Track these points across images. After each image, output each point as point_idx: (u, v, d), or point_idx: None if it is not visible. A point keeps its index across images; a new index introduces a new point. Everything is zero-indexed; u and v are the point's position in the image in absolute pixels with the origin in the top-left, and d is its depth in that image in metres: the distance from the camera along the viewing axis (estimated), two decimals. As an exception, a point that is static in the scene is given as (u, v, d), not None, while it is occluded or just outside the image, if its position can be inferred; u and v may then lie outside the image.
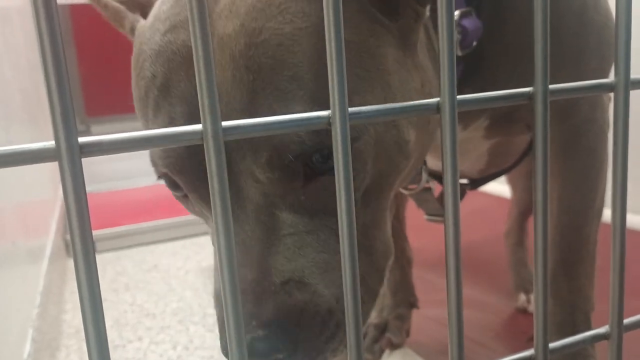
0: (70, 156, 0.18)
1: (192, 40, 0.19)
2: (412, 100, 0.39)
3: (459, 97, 0.25)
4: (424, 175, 0.62)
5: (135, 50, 0.41)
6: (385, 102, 0.38)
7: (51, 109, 0.18)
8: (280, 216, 0.37)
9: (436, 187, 0.66)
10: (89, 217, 0.18)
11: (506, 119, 0.57)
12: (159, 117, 0.38)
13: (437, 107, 0.25)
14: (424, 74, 0.43)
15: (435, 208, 0.68)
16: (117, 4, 0.47)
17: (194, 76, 0.36)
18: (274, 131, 0.22)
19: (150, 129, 0.33)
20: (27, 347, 0.80)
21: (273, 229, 0.37)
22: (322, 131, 0.33)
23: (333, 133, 0.23)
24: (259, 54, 0.34)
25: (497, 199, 1.45)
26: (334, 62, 0.21)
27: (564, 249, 0.61)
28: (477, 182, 0.77)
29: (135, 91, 0.41)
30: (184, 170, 0.37)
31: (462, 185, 0.79)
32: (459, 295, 0.27)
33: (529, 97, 0.27)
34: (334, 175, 0.34)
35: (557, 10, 0.49)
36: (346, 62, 0.35)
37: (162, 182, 0.42)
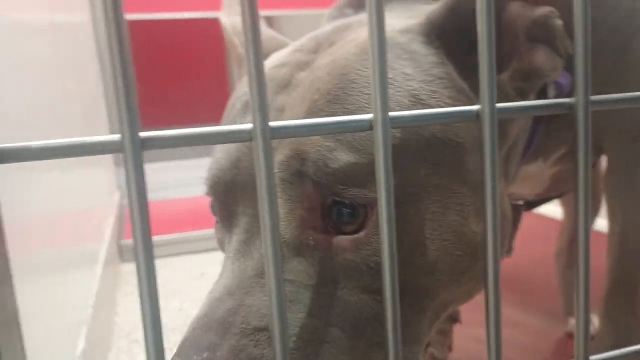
0: (133, 148, 0.20)
1: (245, 45, 0.21)
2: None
3: (498, 105, 0.26)
4: None
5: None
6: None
7: (118, 107, 0.20)
8: (285, 259, 0.35)
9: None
10: (147, 205, 0.20)
11: None
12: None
13: (477, 115, 0.26)
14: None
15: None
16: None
17: (279, 98, 0.39)
18: (319, 132, 0.23)
19: None
20: (81, 345, 0.84)
21: None
22: (358, 181, 0.32)
23: (375, 136, 0.24)
24: (333, 83, 0.36)
25: (549, 220, 1.41)
26: (377, 67, 0.23)
27: (623, 269, 0.59)
28: (532, 203, 0.76)
29: (225, 111, 0.44)
30: (217, 189, 0.39)
31: (517, 206, 0.78)
32: (497, 316, 0.27)
33: (569, 107, 0.27)
34: (348, 237, 0.34)
35: (604, 25, 0.48)
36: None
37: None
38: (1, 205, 0.24)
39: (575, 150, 0.27)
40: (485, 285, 0.27)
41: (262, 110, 0.21)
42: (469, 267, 0.37)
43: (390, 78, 0.36)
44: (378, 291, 0.34)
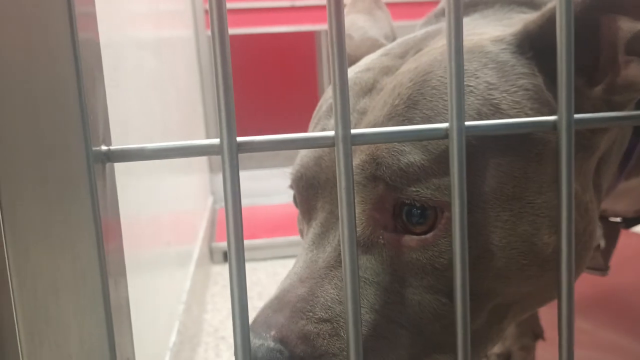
0: (231, 151, 0.22)
1: (330, 56, 0.23)
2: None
3: (576, 115, 0.26)
4: (599, 232, 0.60)
5: None
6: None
7: (219, 115, 0.23)
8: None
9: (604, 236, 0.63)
10: (240, 202, 0.23)
11: None
12: (315, 130, 0.44)
13: (554, 126, 0.26)
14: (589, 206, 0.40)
15: (598, 263, 0.65)
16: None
17: (362, 101, 0.41)
18: (396, 139, 0.25)
19: None
20: (173, 338, 0.90)
21: None
22: (430, 184, 0.34)
23: (450, 145, 0.26)
24: (414, 89, 0.38)
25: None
26: (454, 75, 0.24)
27: None
28: (631, 221, 0.73)
29: (315, 111, 0.47)
30: (299, 184, 0.42)
31: (615, 223, 0.74)
32: (570, 328, 0.27)
33: (654, 118, 0.27)
34: (416, 237, 0.35)
35: None
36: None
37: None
38: (119, 204, 0.27)
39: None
40: (558, 299, 0.27)
41: (344, 119, 0.23)
42: (533, 276, 0.37)
43: (472, 86, 0.37)
44: (442, 291, 0.36)
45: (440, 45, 0.41)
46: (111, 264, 0.25)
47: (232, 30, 1.73)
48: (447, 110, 0.36)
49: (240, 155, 0.23)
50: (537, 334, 0.81)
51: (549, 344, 0.82)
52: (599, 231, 0.58)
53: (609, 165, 0.45)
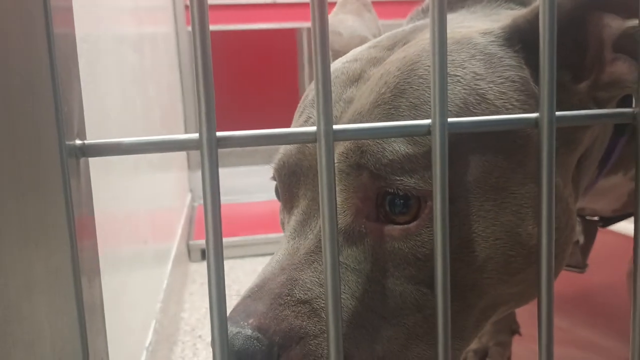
0: (210, 146, 0.22)
1: (313, 51, 0.22)
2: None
3: (557, 113, 0.26)
4: (578, 228, 0.60)
5: None
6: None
7: (198, 109, 0.22)
8: (339, 242, 0.36)
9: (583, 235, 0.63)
10: (219, 196, 0.22)
11: None
12: (299, 119, 0.43)
13: (536, 123, 0.26)
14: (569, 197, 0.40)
15: (577, 260, 0.66)
16: None
17: (349, 90, 0.41)
18: (378, 135, 0.24)
19: None
20: (150, 337, 0.89)
21: None
22: (414, 173, 0.34)
23: (432, 141, 0.25)
24: (401, 77, 0.38)
25: (625, 238, 1.35)
26: (437, 73, 0.24)
27: None
28: (609, 220, 0.74)
29: (300, 100, 0.47)
30: (282, 172, 0.41)
31: (593, 222, 0.75)
32: (549, 321, 0.28)
33: (633, 116, 0.27)
34: (399, 227, 0.35)
35: None
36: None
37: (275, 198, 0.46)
38: (94, 203, 0.27)
39: (636, 161, 0.27)
40: (538, 292, 0.28)
41: (326, 114, 0.23)
42: (521, 269, 0.37)
43: (459, 76, 0.37)
44: (423, 282, 0.35)
45: (427, 37, 0.42)
46: (85, 262, 0.25)
47: (213, 27, 1.71)
48: None
49: (219, 151, 0.23)
50: (514, 330, 0.82)
51: (525, 339, 0.83)
52: (578, 226, 0.59)
53: (590, 161, 0.45)
